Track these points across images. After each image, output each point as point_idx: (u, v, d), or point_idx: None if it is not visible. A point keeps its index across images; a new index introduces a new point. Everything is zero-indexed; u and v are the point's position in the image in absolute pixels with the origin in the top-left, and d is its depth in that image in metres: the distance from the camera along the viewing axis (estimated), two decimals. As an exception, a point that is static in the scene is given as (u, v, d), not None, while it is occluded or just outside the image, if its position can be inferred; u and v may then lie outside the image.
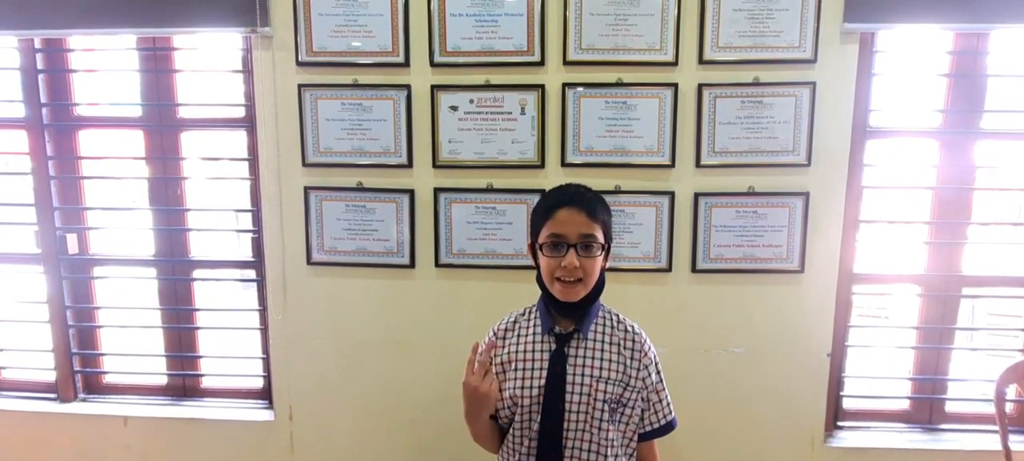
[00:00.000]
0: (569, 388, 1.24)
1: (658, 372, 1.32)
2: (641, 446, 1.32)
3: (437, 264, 1.87)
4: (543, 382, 1.25)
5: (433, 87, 1.78)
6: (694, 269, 1.82)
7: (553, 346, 1.27)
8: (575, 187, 1.29)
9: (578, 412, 1.24)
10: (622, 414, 1.27)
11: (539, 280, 1.30)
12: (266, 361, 2.02)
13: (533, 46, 1.75)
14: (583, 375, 1.25)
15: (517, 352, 1.30)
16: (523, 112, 1.78)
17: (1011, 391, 1.77)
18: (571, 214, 1.22)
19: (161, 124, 1.97)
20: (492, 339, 1.33)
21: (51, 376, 2.11)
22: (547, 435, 1.24)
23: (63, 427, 2.06)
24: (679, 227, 1.81)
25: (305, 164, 1.85)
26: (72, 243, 2.04)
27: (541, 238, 1.25)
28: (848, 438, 1.93)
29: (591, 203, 1.25)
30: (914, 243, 1.95)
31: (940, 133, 1.84)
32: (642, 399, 1.29)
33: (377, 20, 1.77)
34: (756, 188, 1.78)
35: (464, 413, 1.28)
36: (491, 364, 1.28)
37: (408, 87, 1.79)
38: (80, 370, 2.12)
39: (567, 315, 1.28)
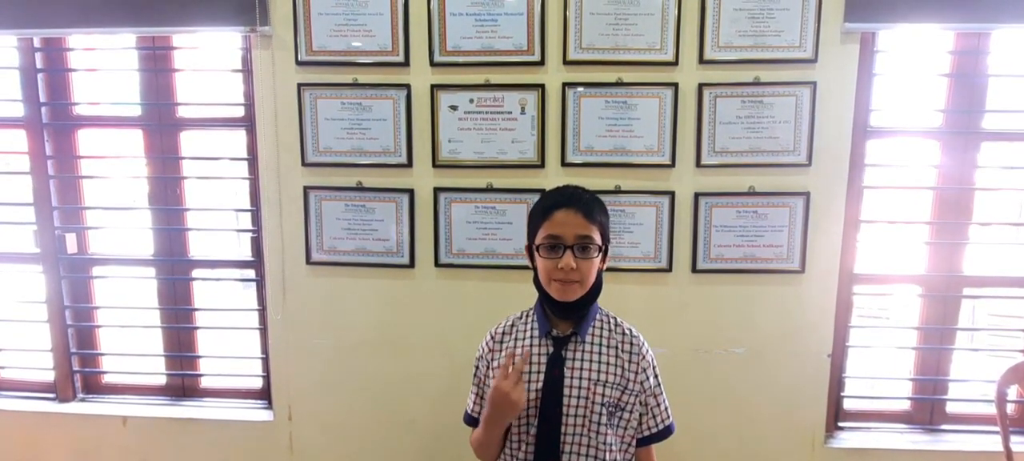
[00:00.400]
0: (566, 391, 1.24)
1: (656, 376, 1.31)
2: (639, 452, 1.32)
3: (437, 264, 1.87)
4: (540, 385, 1.25)
5: (433, 87, 1.78)
6: (694, 269, 1.82)
7: (550, 349, 1.27)
8: (572, 188, 1.28)
9: (576, 416, 1.23)
10: (620, 418, 1.26)
11: (536, 282, 1.29)
12: (265, 361, 2.02)
13: (533, 46, 1.74)
14: (581, 378, 1.24)
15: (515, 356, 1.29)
16: (523, 112, 1.77)
17: (1012, 392, 1.76)
18: (568, 215, 1.22)
19: (160, 124, 1.96)
20: (527, 350, 1.28)
21: (50, 376, 2.11)
22: (544, 439, 1.24)
23: (62, 427, 2.06)
24: (679, 227, 1.81)
25: (305, 164, 1.85)
26: (71, 243, 2.04)
27: (538, 239, 1.24)
28: (849, 439, 1.92)
29: (588, 204, 1.24)
30: (915, 243, 1.95)
31: (941, 133, 1.83)
32: (640, 403, 1.28)
33: (377, 19, 1.76)
34: (756, 188, 1.78)
35: (484, 418, 1.25)
36: (524, 373, 1.25)
37: (408, 87, 1.79)
38: (79, 370, 2.12)
39: (565, 318, 1.27)
